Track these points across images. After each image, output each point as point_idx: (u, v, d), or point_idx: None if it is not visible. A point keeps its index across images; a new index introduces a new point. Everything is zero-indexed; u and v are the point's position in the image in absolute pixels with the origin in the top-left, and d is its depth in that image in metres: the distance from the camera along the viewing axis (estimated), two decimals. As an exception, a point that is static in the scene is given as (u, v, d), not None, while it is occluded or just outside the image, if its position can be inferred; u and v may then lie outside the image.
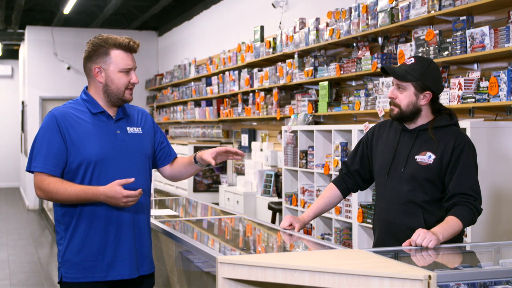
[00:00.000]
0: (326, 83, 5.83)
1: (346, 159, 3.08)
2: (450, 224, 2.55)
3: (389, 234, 2.79)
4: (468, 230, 3.78)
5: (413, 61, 2.74)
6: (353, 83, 5.79)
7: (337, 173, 3.11)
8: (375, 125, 3.01)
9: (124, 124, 2.76)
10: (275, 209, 6.41)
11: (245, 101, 7.84)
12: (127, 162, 2.69)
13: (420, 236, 2.48)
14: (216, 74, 8.77)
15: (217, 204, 7.98)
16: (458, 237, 2.73)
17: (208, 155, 2.82)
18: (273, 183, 6.99)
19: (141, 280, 2.79)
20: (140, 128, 2.81)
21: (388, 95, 2.79)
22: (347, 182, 3.02)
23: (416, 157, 2.72)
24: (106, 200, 2.56)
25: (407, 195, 2.72)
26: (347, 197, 5.06)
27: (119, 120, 2.75)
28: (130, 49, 2.71)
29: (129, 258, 2.70)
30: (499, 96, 3.86)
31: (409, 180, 2.72)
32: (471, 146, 2.72)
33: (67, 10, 10.61)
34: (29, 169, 2.65)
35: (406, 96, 2.72)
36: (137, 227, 2.74)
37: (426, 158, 2.70)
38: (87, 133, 2.65)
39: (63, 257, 2.67)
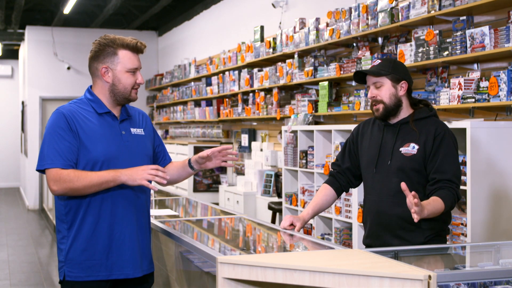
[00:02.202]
0: (326, 83, 5.83)
1: (334, 161, 3.19)
2: (434, 204, 2.64)
3: (381, 225, 2.88)
4: (468, 230, 3.79)
5: (379, 61, 2.96)
6: (353, 83, 5.78)
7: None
8: (359, 124, 3.14)
9: (128, 125, 2.79)
10: (275, 209, 6.41)
11: (245, 101, 7.84)
12: (131, 162, 2.70)
13: (417, 209, 2.50)
14: (216, 74, 8.77)
15: (217, 204, 7.98)
16: (441, 238, 2.82)
17: (203, 152, 2.84)
18: (273, 183, 6.99)
19: (142, 279, 2.80)
20: (142, 130, 2.84)
21: (368, 96, 2.94)
22: (340, 180, 3.10)
23: (400, 149, 2.85)
24: (129, 174, 2.57)
25: (396, 186, 2.79)
26: (347, 197, 5.08)
27: (123, 121, 2.78)
28: (137, 49, 2.75)
29: (132, 257, 2.71)
30: (499, 96, 3.86)
31: (396, 172, 2.83)
32: (451, 134, 2.84)
33: (67, 10, 10.61)
34: (41, 168, 2.62)
35: (386, 90, 2.88)
36: (140, 226, 2.76)
37: (410, 149, 2.83)
38: (94, 133, 2.66)
39: (67, 256, 2.67)
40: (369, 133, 3.01)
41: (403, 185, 2.51)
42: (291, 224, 2.97)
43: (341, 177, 3.10)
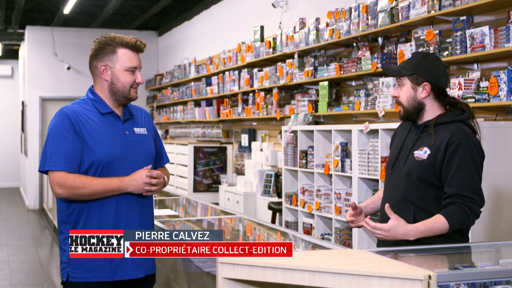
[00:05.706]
0: (326, 83, 5.83)
1: None
2: (431, 224, 2.51)
3: None
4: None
5: (409, 56, 2.73)
6: (353, 83, 5.79)
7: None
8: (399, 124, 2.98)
9: (131, 125, 2.79)
10: (275, 209, 6.41)
11: (245, 101, 7.84)
12: (135, 162, 2.70)
13: (379, 231, 2.49)
14: (216, 74, 8.77)
15: (217, 204, 7.98)
16: (462, 238, 2.73)
17: None
18: (273, 183, 6.99)
19: (144, 280, 2.79)
20: (145, 129, 2.84)
21: (392, 94, 2.76)
22: None
23: (414, 152, 2.68)
24: (134, 185, 2.62)
25: (402, 191, 2.69)
26: (346, 197, 5.07)
27: (126, 121, 2.78)
28: (137, 48, 2.74)
29: (136, 258, 2.70)
30: (499, 96, 3.86)
31: (405, 177, 2.69)
32: (470, 143, 2.57)
33: (67, 10, 10.61)
34: (43, 169, 2.61)
35: (405, 92, 2.68)
36: (143, 226, 2.76)
37: (422, 153, 2.64)
38: (98, 134, 2.66)
39: (70, 257, 2.67)
40: (400, 134, 2.86)
41: (387, 207, 2.45)
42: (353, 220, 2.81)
43: None
